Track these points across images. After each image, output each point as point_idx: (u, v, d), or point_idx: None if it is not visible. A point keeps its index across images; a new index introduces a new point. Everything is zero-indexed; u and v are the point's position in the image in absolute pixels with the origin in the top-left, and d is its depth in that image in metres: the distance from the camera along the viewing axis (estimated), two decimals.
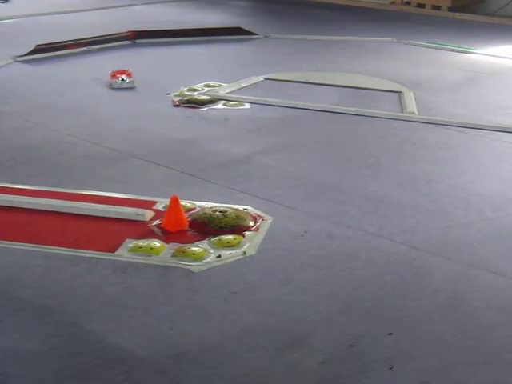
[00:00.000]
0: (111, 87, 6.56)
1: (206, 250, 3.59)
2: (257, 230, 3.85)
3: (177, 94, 6.40)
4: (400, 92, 6.67)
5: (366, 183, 4.56)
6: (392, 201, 4.30)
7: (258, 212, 4.04)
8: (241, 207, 4.08)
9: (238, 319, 3.05)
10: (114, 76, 6.71)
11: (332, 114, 6.02)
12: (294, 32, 9.51)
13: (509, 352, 2.89)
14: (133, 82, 6.63)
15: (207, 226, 3.83)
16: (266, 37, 9.19)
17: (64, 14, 10.36)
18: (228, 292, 3.25)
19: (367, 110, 6.07)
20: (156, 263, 3.47)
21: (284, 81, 7.00)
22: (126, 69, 6.85)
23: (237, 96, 6.39)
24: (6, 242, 3.65)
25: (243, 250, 3.63)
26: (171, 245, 3.64)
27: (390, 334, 2.97)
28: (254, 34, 9.19)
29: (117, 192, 4.27)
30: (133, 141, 5.22)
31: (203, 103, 6.15)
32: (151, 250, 3.58)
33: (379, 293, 3.29)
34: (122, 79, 6.61)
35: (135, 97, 6.34)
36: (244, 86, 6.77)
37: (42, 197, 4.12)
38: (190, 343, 2.87)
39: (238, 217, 3.92)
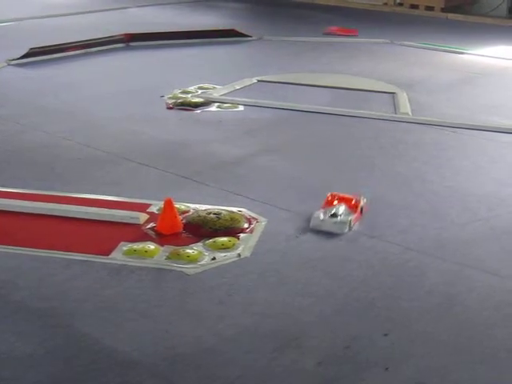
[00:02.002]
0: (312, 225, 3.92)
1: (200, 253, 3.59)
2: (251, 231, 3.84)
3: (171, 96, 6.39)
4: (393, 93, 6.68)
5: (360, 184, 4.56)
6: (386, 201, 4.30)
7: (253, 214, 4.04)
8: (235, 209, 4.07)
9: (234, 321, 3.05)
10: (329, 203, 4.05)
11: (326, 116, 6.02)
12: (288, 34, 9.51)
13: (504, 351, 2.89)
14: (346, 222, 3.89)
15: (202, 229, 3.83)
16: (260, 39, 9.20)
17: (59, 17, 10.33)
18: (223, 294, 3.25)
19: (361, 111, 6.08)
20: (150, 266, 3.47)
21: (277, 82, 7.00)
22: (352, 195, 4.11)
23: (230, 98, 6.39)
24: (0, 245, 3.64)
25: (238, 252, 3.62)
26: (166, 247, 3.64)
27: (386, 334, 2.97)
28: (248, 36, 9.19)
29: (111, 195, 4.26)
30: (127, 143, 5.21)
31: (197, 105, 6.15)
32: (146, 253, 3.57)
33: (374, 294, 3.29)
34: (334, 215, 3.91)
35: (129, 99, 6.33)
36: (238, 88, 6.77)
37: (35, 200, 4.11)
38: (185, 345, 2.87)
39: (232, 219, 3.92)
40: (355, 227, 3.90)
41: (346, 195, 4.07)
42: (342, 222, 3.86)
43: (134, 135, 5.40)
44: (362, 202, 4.07)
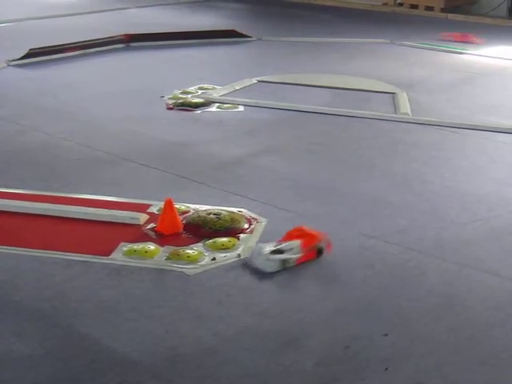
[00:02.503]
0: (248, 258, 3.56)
1: (200, 253, 3.59)
2: (251, 232, 3.84)
3: (171, 96, 6.39)
4: (393, 93, 6.68)
5: (360, 184, 4.57)
6: (386, 202, 4.30)
7: (253, 214, 4.04)
8: (235, 209, 4.08)
9: (233, 321, 3.05)
10: (287, 237, 3.62)
11: (325, 116, 6.03)
12: (287, 34, 9.52)
13: (504, 351, 2.89)
14: (277, 261, 3.46)
15: (202, 229, 3.83)
16: (260, 39, 9.20)
17: (58, 18, 10.34)
18: (223, 294, 3.25)
19: (361, 112, 6.08)
20: (150, 266, 3.47)
21: (277, 83, 7.00)
22: (318, 234, 3.62)
23: (230, 98, 6.39)
24: (0, 246, 3.64)
25: (238, 252, 3.62)
26: (166, 248, 3.64)
27: (386, 334, 2.97)
28: (248, 37, 9.19)
29: (111, 195, 4.26)
30: (127, 144, 5.21)
31: (197, 106, 6.15)
32: (146, 254, 3.57)
33: (374, 294, 3.29)
34: (278, 251, 3.51)
35: (129, 100, 6.33)
36: (237, 88, 6.77)
37: (35, 201, 4.11)
38: (185, 346, 2.87)
39: (232, 219, 3.92)
40: (296, 266, 3.46)
41: (313, 232, 3.60)
42: (272, 260, 3.43)
43: (134, 136, 5.41)
44: (324, 244, 3.59)
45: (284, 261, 3.46)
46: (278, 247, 3.51)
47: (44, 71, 7.32)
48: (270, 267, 3.43)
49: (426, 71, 7.73)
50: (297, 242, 3.53)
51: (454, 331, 3.02)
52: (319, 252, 3.57)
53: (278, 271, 3.42)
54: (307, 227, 3.65)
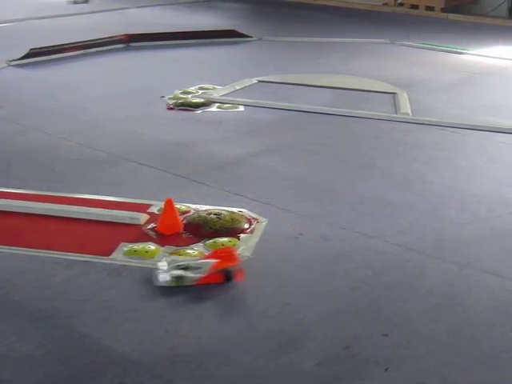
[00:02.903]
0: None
1: (200, 253, 3.59)
2: (252, 232, 3.84)
3: (171, 97, 6.39)
4: (394, 93, 6.68)
5: (361, 184, 4.57)
6: (386, 202, 4.30)
7: (253, 214, 4.04)
8: (235, 209, 4.08)
9: (234, 321, 3.05)
10: (210, 255, 3.51)
11: (326, 116, 6.03)
12: (288, 34, 9.52)
13: (504, 352, 2.89)
14: (168, 275, 3.32)
15: (202, 229, 3.83)
16: (260, 39, 9.20)
17: (59, 18, 10.35)
18: (223, 294, 3.25)
19: (361, 112, 6.08)
20: (151, 266, 3.47)
21: (278, 83, 7.00)
22: (237, 261, 3.43)
23: (231, 98, 6.39)
24: (0, 246, 3.64)
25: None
26: (166, 248, 3.64)
27: (386, 334, 2.97)
28: (248, 37, 9.20)
29: (111, 195, 4.26)
30: (127, 144, 5.22)
31: (197, 106, 6.15)
32: (146, 254, 3.57)
33: (374, 294, 3.29)
34: (186, 267, 3.37)
35: (130, 100, 6.33)
36: (238, 88, 6.77)
37: (36, 201, 4.11)
38: (185, 346, 2.87)
39: (232, 219, 3.92)
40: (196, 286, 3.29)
41: (235, 256, 3.44)
42: (165, 272, 3.31)
43: (135, 136, 5.41)
44: (234, 270, 3.34)
45: (179, 278, 3.30)
46: (186, 263, 3.38)
47: (44, 71, 7.33)
48: (161, 279, 3.29)
49: (426, 71, 7.73)
50: (209, 262, 3.36)
51: (454, 331, 3.02)
52: (227, 276, 3.34)
53: (171, 287, 3.26)
54: (235, 250, 3.55)
